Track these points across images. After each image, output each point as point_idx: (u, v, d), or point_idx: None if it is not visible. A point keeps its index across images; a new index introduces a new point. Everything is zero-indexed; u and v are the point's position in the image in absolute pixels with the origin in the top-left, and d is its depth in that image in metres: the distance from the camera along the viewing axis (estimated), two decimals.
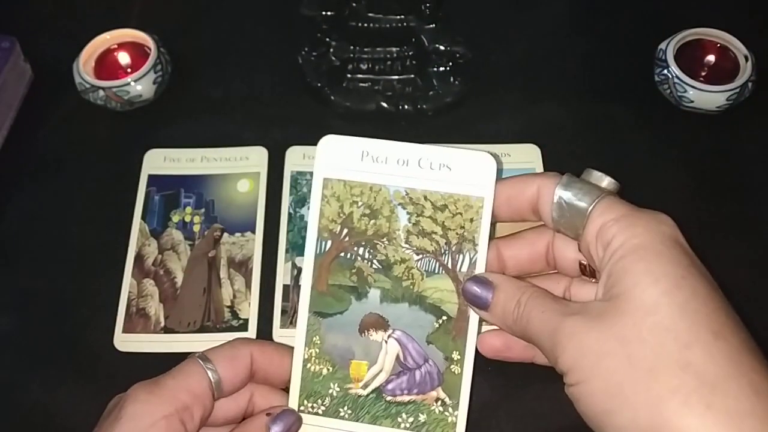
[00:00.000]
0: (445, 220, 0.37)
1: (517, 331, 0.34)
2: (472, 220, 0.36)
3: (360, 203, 0.37)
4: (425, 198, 0.37)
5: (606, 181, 0.34)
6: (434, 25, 0.59)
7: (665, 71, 0.58)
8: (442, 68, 0.60)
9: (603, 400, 0.29)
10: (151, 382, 0.36)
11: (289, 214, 0.55)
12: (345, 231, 0.37)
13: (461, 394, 0.37)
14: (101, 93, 0.58)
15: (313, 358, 0.37)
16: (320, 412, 0.37)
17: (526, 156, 0.57)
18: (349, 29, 0.59)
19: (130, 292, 0.52)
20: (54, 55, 0.63)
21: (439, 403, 0.37)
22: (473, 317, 0.37)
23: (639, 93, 0.61)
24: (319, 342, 0.37)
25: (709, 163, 0.57)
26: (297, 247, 0.54)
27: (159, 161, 0.58)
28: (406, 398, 0.37)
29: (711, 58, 0.60)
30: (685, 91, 0.57)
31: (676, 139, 0.58)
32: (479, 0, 0.68)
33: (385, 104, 0.60)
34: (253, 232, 0.54)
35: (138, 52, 0.61)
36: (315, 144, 0.59)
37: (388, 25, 0.59)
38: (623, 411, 0.28)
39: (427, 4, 0.58)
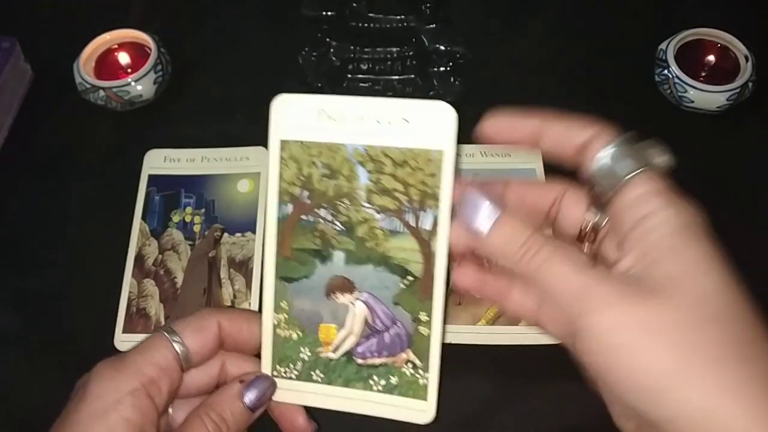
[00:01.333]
0: (405, 177, 0.35)
1: (519, 268, 0.31)
2: (433, 175, 0.35)
3: (319, 164, 0.36)
4: (384, 154, 0.35)
5: (662, 158, 0.33)
6: (434, 26, 0.59)
7: (666, 71, 0.58)
8: (442, 68, 0.60)
9: (656, 377, 0.28)
10: (115, 358, 0.35)
11: None
12: (306, 193, 0.36)
13: (431, 356, 0.36)
14: (101, 93, 0.58)
15: (282, 323, 0.37)
16: (293, 376, 0.37)
17: (527, 156, 0.57)
18: (349, 29, 0.59)
19: (130, 292, 0.52)
20: (54, 55, 0.63)
21: (410, 365, 0.36)
22: (440, 278, 0.35)
23: (639, 93, 0.61)
24: (287, 307, 0.37)
25: (709, 163, 0.57)
26: None
27: (159, 161, 0.58)
28: (377, 361, 0.36)
29: (711, 58, 0.60)
30: (686, 92, 0.57)
31: (676, 140, 0.58)
32: (479, 0, 0.68)
33: None
34: (254, 232, 0.54)
35: (138, 52, 0.61)
36: None
37: (388, 26, 0.59)
38: (681, 391, 0.27)
39: (428, 5, 0.58)
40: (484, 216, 0.32)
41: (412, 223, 0.35)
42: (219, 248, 0.54)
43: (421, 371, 0.36)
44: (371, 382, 0.36)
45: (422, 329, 0.36)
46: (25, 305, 0.52)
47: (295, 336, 0.37)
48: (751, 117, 0.59)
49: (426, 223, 0.35)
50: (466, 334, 0.50)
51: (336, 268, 0.36)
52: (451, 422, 0.46)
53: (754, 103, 0.58)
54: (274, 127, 0.36)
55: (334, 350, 0.37)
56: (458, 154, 0.35)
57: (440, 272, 0.35)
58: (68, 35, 0.63)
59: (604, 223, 0.33)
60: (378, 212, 0.36)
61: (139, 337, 0.50)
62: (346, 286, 0.36)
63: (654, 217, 0.30)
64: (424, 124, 0.35)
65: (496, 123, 0.35)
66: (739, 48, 0.59)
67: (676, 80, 0.57)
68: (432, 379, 0.36)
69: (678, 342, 0.28)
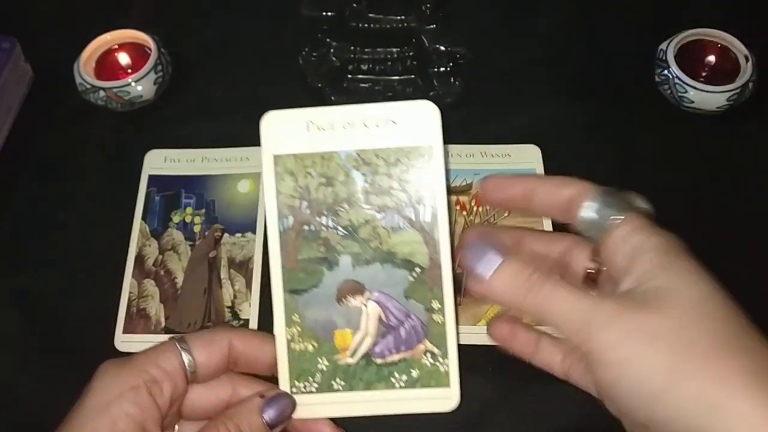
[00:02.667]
0: (400, 174, 0.37)
1: (525, 307, 0.33)
2: (425, 170, 0.37)
3: (314, 173, 0.37)
4: (377, 156, 0.37)
5: (641, 204, 0.36)
6: (435, 26, 0.59)
7: (666, 72, 0.58)
8: (442, 69, 0.60)
9: (657, 378, 0.29)
10: (121, 358, 0.36)
11: None
12: (305, 204, 0.37)
13: (448, 342, 0.37)
14: (102, 93, 0.58)
15: (296, 337, 0.37)
16: (313, 389, 0.37)
17: (527, 156, 0.57)
18: (349, 30, 0.59)
19: (130, 292, 0.52)
20: (54, 55, 0.63)
21: (429, 355, 0.37)
22: (446, 264, 0.36)
23: (639, 93, 0.61)
24: (299, 320, 0.37)
25: (709, 164, 0.57)
26: None
27: (159, 162, 0.58)
28: (396, 357, 0.37)
29: (711, 58, 0.60)
30: (686, 92, 0.57)
31: (676, 140, 0.58)
32: (480, 1, 0.68)
33: None
34: (254, 232, 0.54)
35: (138, 52, 0.61)
36: None
37: (388, 26, 0.59)
38: (682, 388, 0.28)
39: (428, 5, 0.58)
40: (486, 263, 0.34)
41: (413, 217, 0.37)
42: (219, 248, 0.54)
43: (440, 359, 0.37)
44: (393, 379, 0.37)
45: (436, 317, 0.37)
46: (25, 305, 0.52)
47: (310, 348, 0.37)
48: (751, 117, 0.59)
49: (426, 215, 0.37)
50: (466, 334, 0.50)
51: (344, 273, 0.37)
52: (451, 422, 0.46)
53: (754, 103, 0.58)
54: (266, 144, 0.37)
55: (352, 355, 0.37)
56: (445, 146, 0.37)
57: (446, 259, 0.36)
58: (68, 35, 0.63)
59: (601, 268, 0.35)
60: (378, 211, 0.37)
61: (140, 337, 0.50)
62: (357, 288, 0.37)
63: (642, 246, 0.32)
64: (411, 123, 0.37)
65: (491, 183, 0.37)
66: (739, 48, 0.59)
67: (677, 80, 0.57)
68: (452, 364, 0.37)
69: (672, 343, 0.29)
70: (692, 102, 0.57)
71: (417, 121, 0.36)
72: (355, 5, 0.59)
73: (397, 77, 0.61)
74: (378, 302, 0.37)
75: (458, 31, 0.59)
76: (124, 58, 0.61)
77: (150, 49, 0.60)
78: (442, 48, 0.59)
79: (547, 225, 0.54)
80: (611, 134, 0.59)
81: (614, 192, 0.35)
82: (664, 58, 0.59)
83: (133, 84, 0.58)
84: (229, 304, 0.51)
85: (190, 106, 0.62)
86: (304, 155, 0.37)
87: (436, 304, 0.37)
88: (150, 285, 0.52)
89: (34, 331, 0.50)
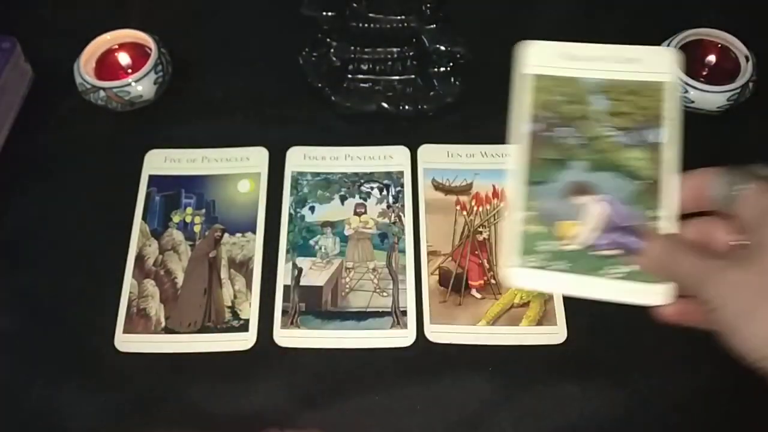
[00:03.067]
0: (638, 101, 0.43)
1: (665, 274, 0.39)
2: (661, 100, 0.43)
3: (564, 93, 0.44)
4: (620, 85, 0.44)
5: (764, 171, 0.39)
6: (435, 26, 0.59)
7: None
8: (442, 69, 0.60)
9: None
10: None
11: (290, 214, 0.55)
12: (550, 114, 0.43)
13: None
14: (102, 93, 0.58)
15: (529, 220, 0.42)
16: (539, 265, 0.41)
17: None
18: (349, 30, 0.59)
19: (130, 292, 0.52)
20: (55, 55, 0.63)
21: None
22: (672, 179, 0.42)
23: None
24: (532, 206, 0.42)
25: (709, 164, 0.57)
26: (297, 248, 0.54)
27: (160, 162, 0.58)
28: (616, 252, 0.41)
29: (712, 58, 0.60)
30: (686, 92, 0.57)
31: None
32: (480, 1, 0.68)
33: (385, 104, 0.60)
34: (254, 232, 0.54)
35: (138, 52, 0.61)
36: (316, 144, 0.59)
37: (388, 26, 0.59)
38: None
39: (428, 5, 0.58)
40: (632, 249, 0.40)
41: (645, 138, 0.43)
42: (219, 248, 0.54)
43: None
44: (612, 270, 0.41)
45: (657, 224, 0.41)
46: (25, 305, 0.52)
47: (539, 230, 0.42)
48: (751, 117, 0.59)
49: (657, 137, 0.42)
50: (466, 334, 0.50)
51: (576, 174, 0.42)
52: (451, 422, 0.47)
53: (754, 103, 0.58)
54: (523, 64, 0.44)
55: (577, 243, 0.42)
56: (679, 85, 0.43)
57: (672, 175, 0.42)
58: (69, 35, 0.63)
59: (743, 240, 0.38)
60: (615, 129, 0.43)
61: (140, 337, 0.50)
62: (586, 188, 0.42)
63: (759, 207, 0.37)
64: (651, 62, 0.44)
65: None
66: (739, 48, 0.59)
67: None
68: None
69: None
70: (692, 102, 0.57)
71: (657, 61, 0.44)
72: (355, 5, 0.59)
73: (397, 77, 0.61)
74: (603, 202, 0.42)
75: (458, 31, 0.59)
76: (124, 58, 0.61)
77: (150, 49, 0.60)
78: (442, 48, 0.59)
79: None
80: None
81: (735, 167, 0.39)
82: None
83: (133, 84, 0.58)
84: (229, 304, 0.51)
85: (190, 106, 0.62)
86: (555, 77, 0.44)
87: (658, 212, 0.41)
88: (150, 285, 0.52)
89: (34, 331, 0.50)
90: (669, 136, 0.43)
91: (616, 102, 0.44)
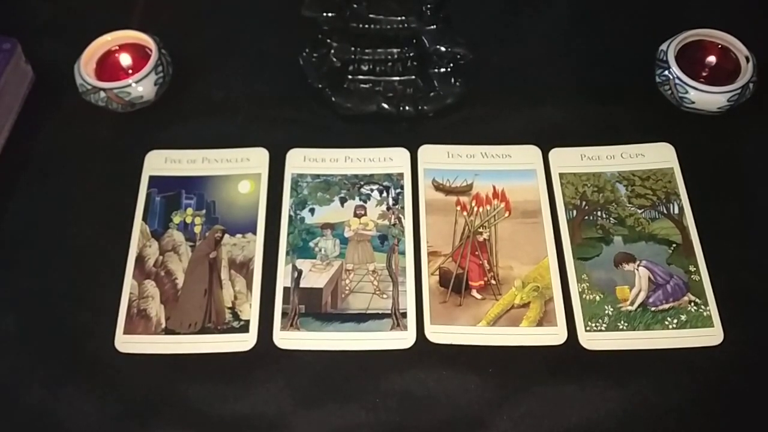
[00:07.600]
0: (651, 185, 0.55)
1: None
2: (670, 181, 0.55)
3: (589, 185, 0.55)
4: (633, 174, 0.56)
5: None
6: (435, 27, 0.59)
7: (666, 72, 0.58)
8: (443, 69, 0.60)
9: None
10: None
11: (290, 215, 0.55)
12: (583, 203, 0.54)
13: (707, 293, 0.50)
14: (102, 94, 0.58)
15: (586, 290, 0.50)
16: (603, 328, 0.49)
17: (527, 157, 0.57)
18: (350, 31, 0.59)
19: (131, 293, 0.52)
20: (55, 56, 0.63)
21: (692, 304, 0.50)
22: (697, 241, 0.52)
23: (640, 94, 0.61)
24: (587, 278, 0.51)
25: (709, 164, 0.57)
26: (297, 250, 0.54)
27: (160, 162, 0.58)
28: (666, 306, 0.50)
29: (712, 59, 0.60)
30: (686, 92, 0.57)
31: (676, 140, 0.58)
32: (480, 2, 0.68)
33: (386, 105, 0.60)
34: (254, 233, 0.54)
35: (139, 53, 0.61)
36: (316, 146, 0.59)
37: (389, 27, 0.59)
38: None
39: (428, 6, 0.58)
40: None
41: (665, 211, 0.54)
42: (220, 249, 0.54)
43: (702, 306, 0.50)
44: (666, 322, 0.49)
45: (694, 277, 0.51)
46: (25, 305, 0.52)
47: (597, 298, 0.50)
48: (751, 118, 0.59)
49: (674, 210, 0.54)
50: (467, 334, 0.50)
51: (618, 248, 0.52)
52: (451, 422, 0.47)
53: (754, 103, 0.58)
54: (553, 165, 0.56)
55: (631, 304, 0.50)
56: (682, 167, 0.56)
57: (695, 237, 0.52)
58: (69, 36, 0.63)
59: None
60: (638, 209, 0.54)
61: (140, 338, 0.50)
62: (629, 257, 0.52)
63: None
64: (655, 155, 0.57)
65: None
66: (739, 49, 0.59)
67: (677, 81, 0.57)
68: (713, 310, 0.49)
69: None
70: (693, 102, 0.57)
71: (659, 154, 0.56)
72: (355, 6, 0.59)
73: (397, 78, 0.61)
74: (647, 266, 0.51)
75: (459, 31, 0.59)
76: (124, 59, 0.61)
77: (150, 50, 0.60)
78: (443, 49, 0.59)
79: (548, 225, 0.54)
80: (612, 134, 0.59)
81: None
82: (664, 58, 0.59)
83: (133, 85, 0.58)
84: (230, 305, 0.51)
85: (190, 106, 0.62)
86: (581, 173, 0.56)
87: (692, 268, 0.51)
88: (150, 286, 0.52)
89: (34, 331, 0.50)
90: (683, 207, 0.54)
91: (632, 187, 0.55)
